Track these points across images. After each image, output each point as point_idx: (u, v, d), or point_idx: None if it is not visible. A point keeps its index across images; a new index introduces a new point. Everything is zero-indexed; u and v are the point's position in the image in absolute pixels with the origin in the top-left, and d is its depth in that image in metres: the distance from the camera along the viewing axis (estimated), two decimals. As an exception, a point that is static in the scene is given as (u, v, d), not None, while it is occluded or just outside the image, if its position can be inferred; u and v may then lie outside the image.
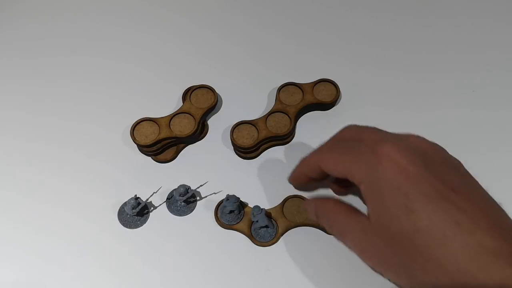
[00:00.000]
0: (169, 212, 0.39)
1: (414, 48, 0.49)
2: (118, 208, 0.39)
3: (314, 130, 0.44)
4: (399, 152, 0.24)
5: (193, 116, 0.42)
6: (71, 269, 0.37)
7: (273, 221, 0.38)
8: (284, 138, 0.42)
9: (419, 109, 0.45)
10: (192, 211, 0.39)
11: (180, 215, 0.39)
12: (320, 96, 0.43)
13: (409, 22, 0.51)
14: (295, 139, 0.43)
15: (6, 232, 0.39)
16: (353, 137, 0.29)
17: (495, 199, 0.25)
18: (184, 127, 0.41)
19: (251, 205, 0.39)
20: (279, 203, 0.39)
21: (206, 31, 0.51)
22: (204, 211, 0.39)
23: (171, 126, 0.41)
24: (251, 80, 0.47)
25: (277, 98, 0.43)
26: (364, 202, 0.26)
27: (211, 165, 0.42)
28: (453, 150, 0.37)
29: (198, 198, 0.40)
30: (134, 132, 0.40)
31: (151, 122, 0.41)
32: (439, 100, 0.45)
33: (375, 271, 0.27)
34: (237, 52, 0.49)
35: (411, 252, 0.23)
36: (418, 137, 0.26)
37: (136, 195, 0.38)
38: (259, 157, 0.42)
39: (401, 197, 0.23)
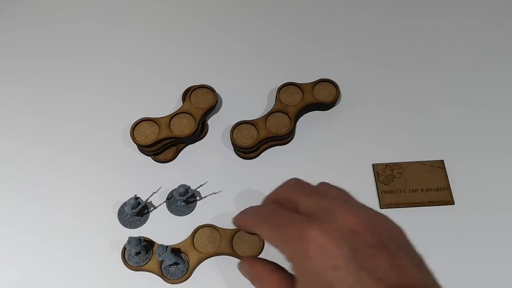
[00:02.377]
0: (169, 212, 0.39)
1: (414, 48, 0.49)
2: (118, 208, 0.39)
3: (314, 130, 0.44)
4: (326, 237, 0.24)
5: (193, 116, 0.42)
6: (70, 268, 0.37)
7: (183, 256, 0.37)
8: (284, 138, 0.42)
9: (418, 109, 0.45)
10: (192, 211, 0.39)
11: (180, 215, 0.39)
12: (320, 96, 0.43)
13: (409, 22, 0.51)
14: (295, 139, 0.43)
15: (6, 233, 0.39)
16: (290, 200, 0.29)
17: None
18: (184, 127, 0.41)
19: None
20: (189, 235, 0.37)
21: (206, 31, 0.51)
22: (204, 211, 0.39)
23: (171, 126, 0.41)
24: (251, 80, 0.47)
25: (277, 98, 0.43)
26: None
27: (211, 165, 0.42)
28: (452, 150, 0.38)
29: (198, 198, 0.40)
30: (134, 132, 0.40)
31: (151, 122, 0.41)
32: (438, 100, 0.45)
33: None
34: (237, 52, 0.49)
35: None
36: (350, 212, 0.26)
37: (136, 195, 0.38)
38: (259, 157, 0.42)
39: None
